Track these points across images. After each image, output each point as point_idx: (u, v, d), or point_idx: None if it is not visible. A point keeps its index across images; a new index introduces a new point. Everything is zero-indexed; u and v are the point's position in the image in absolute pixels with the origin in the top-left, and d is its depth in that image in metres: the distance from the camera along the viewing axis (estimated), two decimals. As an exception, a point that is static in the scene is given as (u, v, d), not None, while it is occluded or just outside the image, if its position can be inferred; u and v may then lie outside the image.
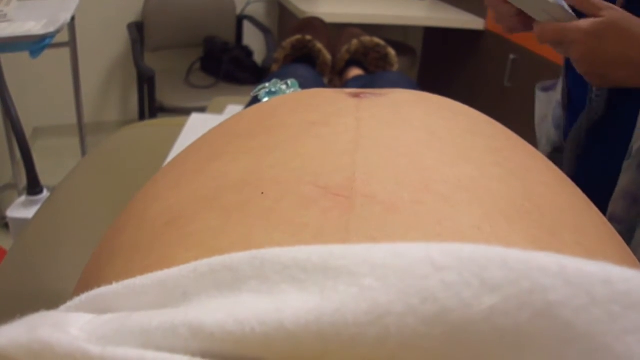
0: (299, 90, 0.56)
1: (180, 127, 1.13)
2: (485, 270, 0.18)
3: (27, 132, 3.13)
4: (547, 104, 0.96)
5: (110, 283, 0.24)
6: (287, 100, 0.40)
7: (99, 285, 0.25)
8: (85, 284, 0.31)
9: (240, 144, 0.34)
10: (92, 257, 0.35)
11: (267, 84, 0.62)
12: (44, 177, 1.27)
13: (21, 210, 1.18)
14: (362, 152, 0.30)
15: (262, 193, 0.28)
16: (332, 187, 0.28)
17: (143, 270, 0.24)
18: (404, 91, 0.41)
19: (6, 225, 1.31)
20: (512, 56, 2.75)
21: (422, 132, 0.33)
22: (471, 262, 0.18)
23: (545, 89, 0.98)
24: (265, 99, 0.59)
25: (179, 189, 0.32)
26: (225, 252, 0.24)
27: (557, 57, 2.45)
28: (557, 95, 0.93)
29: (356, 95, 0.39)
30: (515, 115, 2.65)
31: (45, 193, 1.22)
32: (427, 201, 0.27)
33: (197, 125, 1.12)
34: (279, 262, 0.21)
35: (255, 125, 0.36)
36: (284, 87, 0.55)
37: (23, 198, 1.21)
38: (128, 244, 0.30)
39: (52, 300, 0.76)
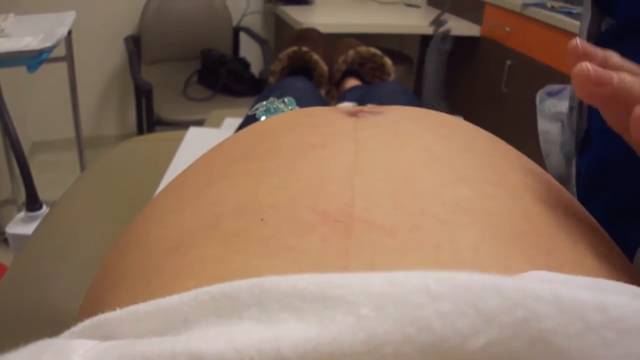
0: (297, 108, 0.56)
1: (179, 141, 1.13)
2: (480, 299, 0.18)
3: (26, 146, 3.13)
4: (552, 120, 0.92)
5: (114, 309, 0.24)
6: (284, 121, 0.40)
7: (103, 311, 0.25)
8: (89, 309, 0.31)
9: (238, 168, 0.34)
10: (94, 281, 0.35)
11: (264, 102, 0.62)
12: (42, 192, 1.27)
13: (20, 226, 1.18)
14: (361, 176, 0.31)
15: (262, 220, 0.28)
16: (331, 212, 0.28)
17: (146, 298, 0.24)
18: (401, 108, 0.41)
19: (6, 241, 1.31)
20: (508, 62, 2.76)
21: (419, 152, 0.33)
22: (466, 291, 0.18)
23: (551, 94, 0.95)
24: (263, 118, 0.59)
25: (179, 215, 0.32)
26: (226, 280, 0.24)
27: (553, 61, 2.46)
28: (565, 104, 0.88)
29: (354, 114, 0.39)
30: (513, 120, 2.66)
31: (45, 209, 1.22)
32: (425, 225, 0.27)
33: (195, 140, 1.12)
34: (278, 290, 0.21)
35: (253, 147, 0.36)
36: (281, 105, 0.55)
37: (22, 214, 1.21)
38: (131, 271, 0.30)
39: (52, 317, 0.76)
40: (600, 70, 0.32)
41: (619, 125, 0.33)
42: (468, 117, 2.37)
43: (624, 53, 0.63)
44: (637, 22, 0.62)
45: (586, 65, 0.32)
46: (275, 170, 0.33)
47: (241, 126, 1.16)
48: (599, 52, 0.36)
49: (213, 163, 0.37)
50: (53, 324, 0.83)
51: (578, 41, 0.36)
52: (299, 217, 0.28)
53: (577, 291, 0.18)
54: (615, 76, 0.32)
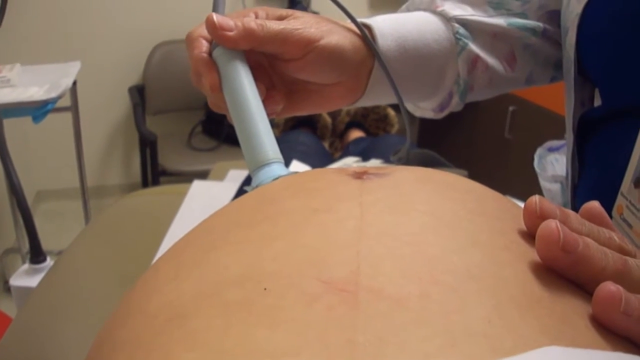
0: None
1: (183, 194, 1.13)
2: None
3: (30, 195, 3.14)
4: (551, 181, 0.88)
5: None
6: (288, 185, 0.39)
7: None
8: None
9: (240, 233, 0.34)
10: (93, 346, 0.34)
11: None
12: (47, 240, 1.26)
13: (24, 278, 1.17)
14: (367, 242, 0.30)
15: (265, 289, 0.27)
16: (337, 281, 0.27)
17: None
18: (407, 169, 0.41)
19: (9, 290, 1.31)
20: (511, 107, 2.77)
21: (427, 216, 0.33)
22: None
23: (552, 150, 0.93)
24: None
25: (180, 282, 0.31)
26: (228, 353, 0.24)
27: (557, 107, 2.46)
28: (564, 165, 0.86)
29: (359, 177, 0.39)
30: (517, 167, 2.66)
31: (49, 261, 1.21)
32: (435, 294, 0.26)
33: (199, 194, 1.13)
34: None
35: (256, 212, 0.36)
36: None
37: (26, 266, 1.20)
38: (129, 339, 0.29)
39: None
40: (569, 233, 0.30)
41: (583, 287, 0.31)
42: (472, 165, 2.36)
43: (609, 133, 0.63)
44: (621, 108, 0.62)
45: (556, 225, 0.30)
46: (279, 235, 0.32)
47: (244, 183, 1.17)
48: (557, 212, 0.33)
49: (214, 228, 0.36)
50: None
51: (537, 200, 0.33)
52: (304, 286, 0.27)
53: None
54: (580, 242, 0.30)
